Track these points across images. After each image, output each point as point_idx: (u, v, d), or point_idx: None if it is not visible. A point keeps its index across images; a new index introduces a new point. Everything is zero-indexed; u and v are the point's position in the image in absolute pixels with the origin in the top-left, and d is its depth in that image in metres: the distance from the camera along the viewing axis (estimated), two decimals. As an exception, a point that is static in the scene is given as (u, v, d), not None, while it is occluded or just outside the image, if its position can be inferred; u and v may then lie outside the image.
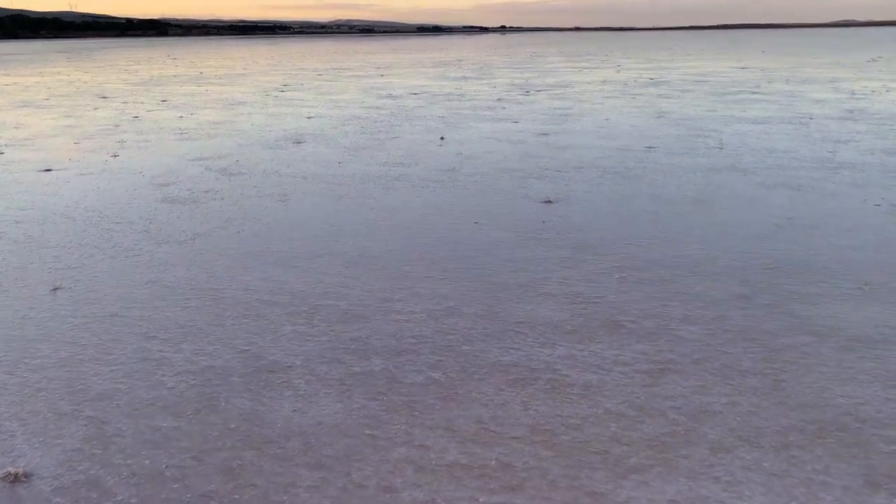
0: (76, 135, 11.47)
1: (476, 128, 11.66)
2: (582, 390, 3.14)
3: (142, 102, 16.78)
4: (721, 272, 4.61)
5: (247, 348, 3.62)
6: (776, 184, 7.18)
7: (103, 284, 4.57)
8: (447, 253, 5.11)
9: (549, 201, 6.61)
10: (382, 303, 4.17)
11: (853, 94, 16.12)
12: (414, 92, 18.76)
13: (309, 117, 13.37)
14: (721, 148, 9.30)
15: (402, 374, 3.31)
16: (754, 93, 16.77)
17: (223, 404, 3.09)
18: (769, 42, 69.68)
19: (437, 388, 3.19)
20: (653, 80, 21.73)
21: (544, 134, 10.82)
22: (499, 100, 16.30)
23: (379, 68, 31.52)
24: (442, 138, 10.56)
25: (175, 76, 27.76)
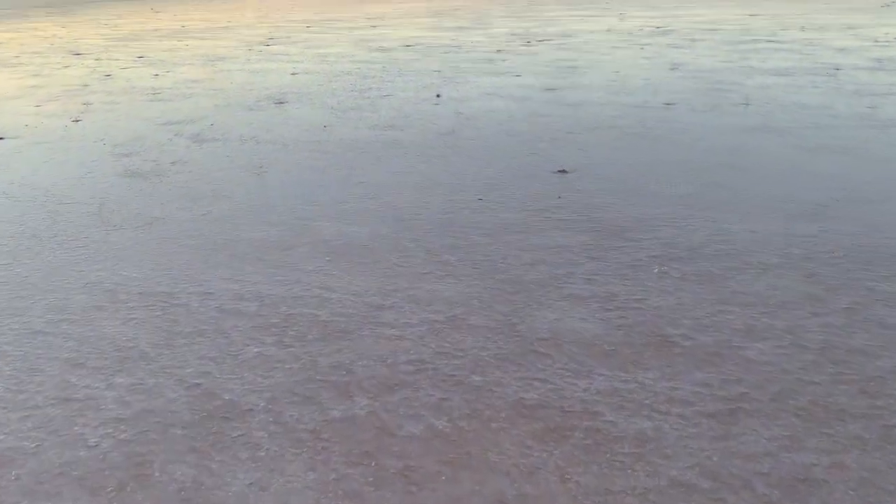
0: (39, 97, 10.50)
1: (475, 83, 10.71)
2: (635, 447, 2.37)
3: (117, 59, 15.69)
4: (779, 263, 3.81)
5: (198, 381, 2.84)
6: (818, 146, 6.33)
7: (32, 289, 3.76)
8: (448, 240, 4.30)
9: (564, 171, 5.77)
10: (371, 311, 3.38)
11: (876, 41, 15.09)
12: (407, 44, 17.65)
13: (294, 73, 12.37)
14: (747, 104, 8.40)
15: (396, 422, 2.54)
16: (770, 41, 15.72)
17: (157, 474, 2.32)
18: (773, -13, 67.54)
19: (442, 444, 2.41)
20: (659, 28, 20.58)
21: (551, 89, 9.88)
22: (499, 51, 15.25)
23: (371, 19, 30.14)
24: (438, 95, 9.63)
25: (156, 30, 26.44)
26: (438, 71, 12.17)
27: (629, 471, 2.26)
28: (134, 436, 2.51)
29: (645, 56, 13.54)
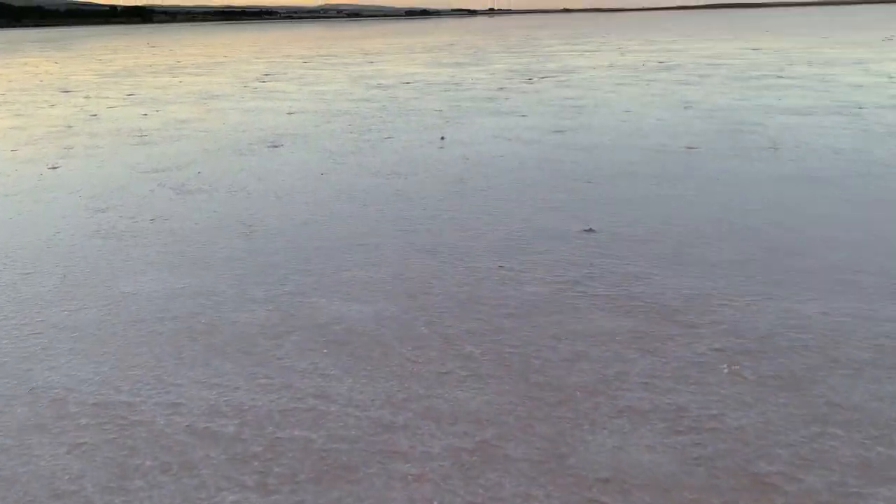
0: (18, 140, 9.88)
1: (480, 124, 10.14)
2: None
3: (106, 97, 15.14)
4: (872, 360, 3.14)
5: (155, 550, 2.14)
6: (871, 200, 5.71)
7: (-38, 397, 3.06)
8: (468, 323, 3.63)
9: (591, 230, 5.13)
10: (379, 434, 2.69)
11: (890, 77, 14.64)
12: (406, 80, 17.18)
13: (290, 113, 11.80)
14: (776, 148, 7.81)
15: None
16: (780, 77, 15.26)
17: None
18: (767, 22, 68.01)
19: None
20: (663, 63, 20.19)
21: (559, 131, 9.31)
22: (500, 88, 14.76)
23: (367, 54, 29.82)
24: (442, 138, 9.04)
25: (150, 66, 26.01)
26: (440, 110, 11.62)
27: None
28: None
29: (653, 93, 13.02)
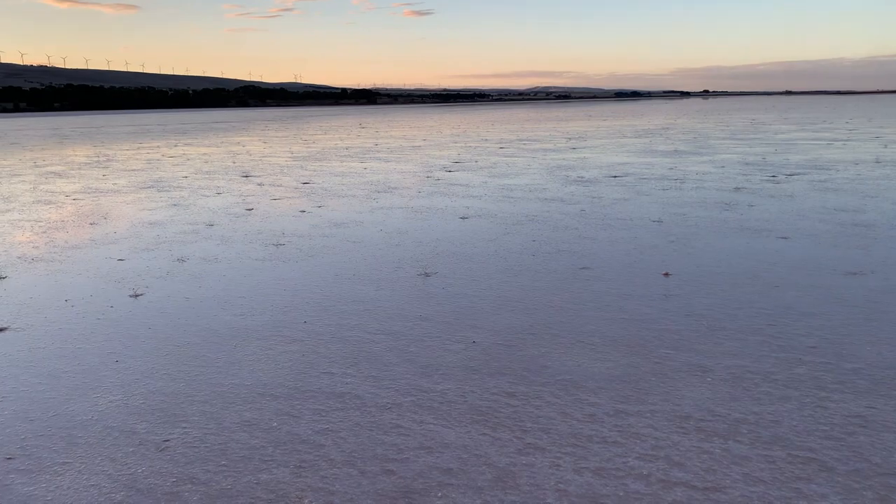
0: (141, 242, 8.43)
1: (719, 248, 7.12)
2: None
3: (279, 185, 13.96)
4: None
5: None
6: None
7: None
8: None
9: None
10: None
11: None
12: (613, 174, 14.42)
13: (464, 218, 9.51)
14: None
15: None
16: None
17: None
18: None
19: None
20: (951, 158, 15.65)
21: (855, 273, 6.04)
22: (737, 189, 11.52)
23: (570, 139, 27.53)
24: (666, 275, 6.16)
25: (347, 148, 25.62)
26: (658, 221, 8.70)
27: None
28: None
29: (976, 208, 9.14)
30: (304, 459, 3.13)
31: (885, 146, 19.92)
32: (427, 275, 6.39)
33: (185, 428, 3.44)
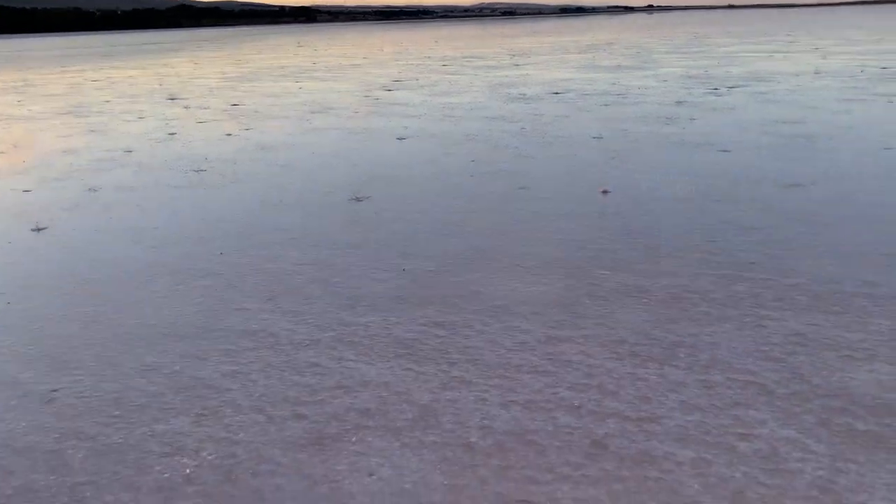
0: (53, 170, 7.82)
1: (659, 164, 6.93)
2: None
3: (206, 108, 13.20)
4: None
5: None
6: None
7: None
8: None
9: None
10: None
11: None
12: (555, 90, 14.05)
13: (402, 138, 9.09)
14: None
15: None
16: None
17: None
18: None
19: None
20: (887, 70, 15.73)
21: (797, 185, 5.92)
22: (679, 103, 11.31)
23: (514, 55, 26.85)
24: (605, 192, 5.94)
25: (282, 68, 24.51)
26: (599, 137, 8.45)
27: None
28: None
29: (913, 117, 9.13)
30: (207, 406, 2.84)
31: (825, 57, 19.93)
32: (359, 200, 6.04)
33: (76, 376, 3.11)
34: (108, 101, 15.06)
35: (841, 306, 3.52)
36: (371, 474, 2.39)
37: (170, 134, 10.08)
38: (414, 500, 2.26)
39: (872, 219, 4.94)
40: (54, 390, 3.00)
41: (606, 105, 11.44)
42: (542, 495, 2.26)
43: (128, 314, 3.76)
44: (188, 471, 2.44)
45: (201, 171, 7.46)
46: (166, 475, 2.42)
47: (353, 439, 2.59)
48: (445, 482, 2.34)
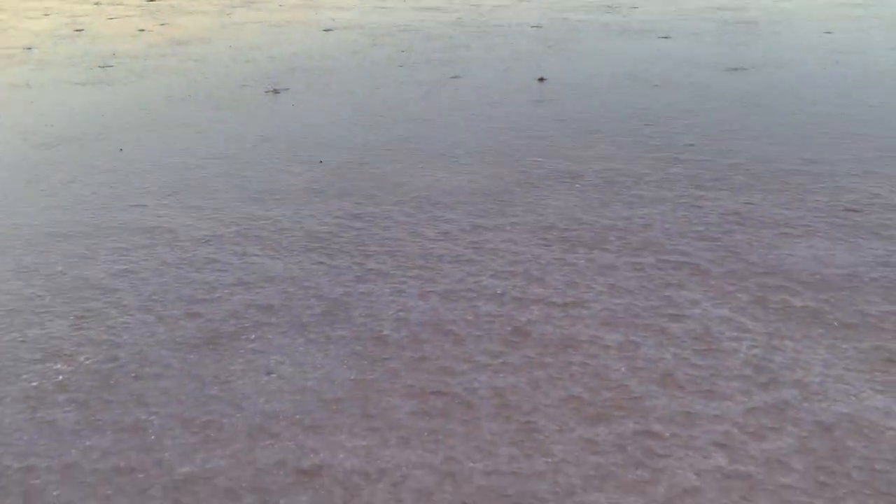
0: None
1: (598, 51, 6.62)
2: None
3: (119, 3, 12.17)
4: None
5: None
6: None
7: None
8: None
9: None
10: None
11: None
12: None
13: (328, 30, 8.51)
14: None
15: None
16: None
17: None
18: None
19: None
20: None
21: (736, 69, 5.72)
22: (621, -6, 10.86)
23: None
24: (541, 80, 5.63)
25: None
26: (538, 26, 8.06)
27: None
28: None
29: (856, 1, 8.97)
30: (91, 308, 2.53)
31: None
32: (276, 91, 5.59)
33: (-59, 282, 2.75)
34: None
35: (779, 184, 3.36)
36: (269, 373, 2.15)
37: (76, 30, 9.24)
38: (316, 397, 2.04)
39: (812, 100, 4.78)
40: (-87, 298, 2.64)
41: (546, -5, 10.92)
42: (458, 386, 2.06)
43: (9, 214, 3.37)
44: (61, 377, 2.15)
45: (107, 66, 6.83)
46: (34, 383, 2.13)
47: (252, 337, 2.33)
48: (352, 377, 2.12)
